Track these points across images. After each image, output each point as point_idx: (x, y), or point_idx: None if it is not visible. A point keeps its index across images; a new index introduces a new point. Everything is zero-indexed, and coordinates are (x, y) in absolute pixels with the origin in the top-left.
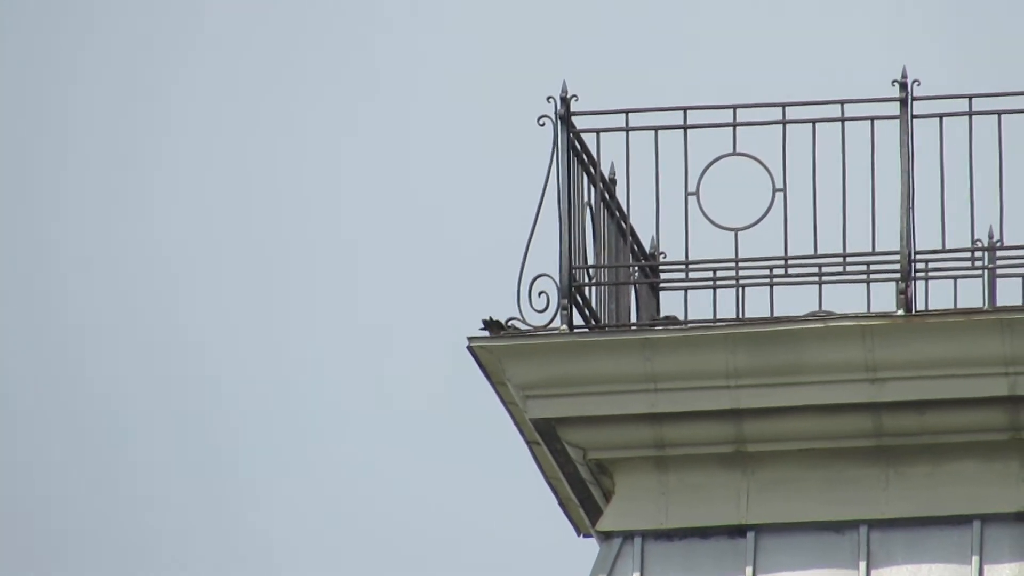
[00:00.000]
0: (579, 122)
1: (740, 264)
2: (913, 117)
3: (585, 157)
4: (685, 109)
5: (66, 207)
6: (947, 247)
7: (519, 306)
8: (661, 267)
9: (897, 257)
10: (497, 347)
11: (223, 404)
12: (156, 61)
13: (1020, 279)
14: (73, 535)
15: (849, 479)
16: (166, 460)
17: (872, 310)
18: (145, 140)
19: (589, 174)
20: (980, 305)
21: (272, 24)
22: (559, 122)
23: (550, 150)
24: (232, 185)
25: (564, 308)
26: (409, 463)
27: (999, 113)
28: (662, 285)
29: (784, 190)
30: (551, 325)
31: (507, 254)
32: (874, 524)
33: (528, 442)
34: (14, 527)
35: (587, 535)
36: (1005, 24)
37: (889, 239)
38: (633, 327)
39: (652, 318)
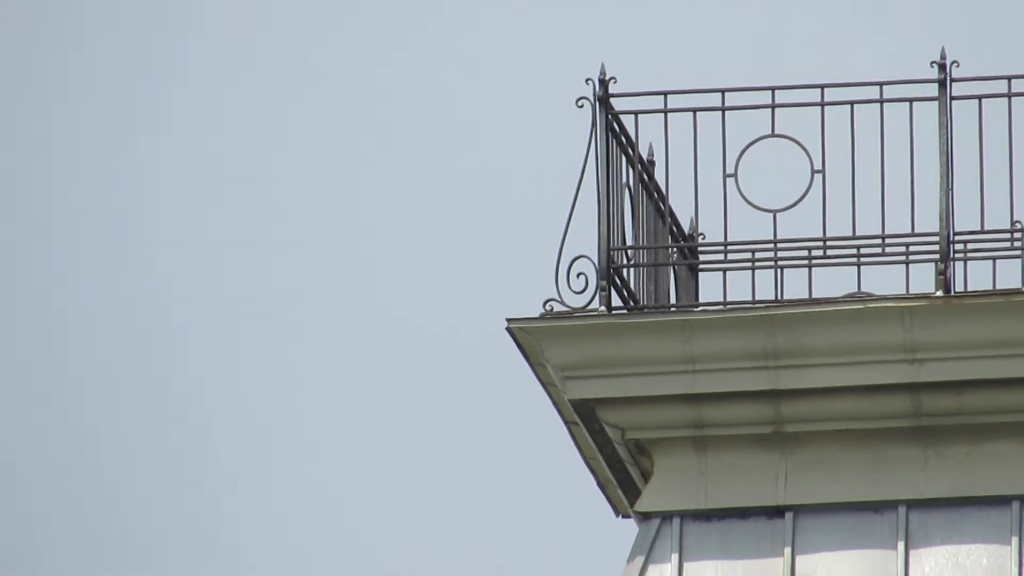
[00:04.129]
0: (617, 104)
1: (779, 245)
2: (952, 99)
3: (623, 139)
4: (723, 91)
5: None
6: (986, 228)
7: (558, 287)
8: (700, 248)
9: (936, 238)
10: (536, 328)
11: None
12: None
13: None
14: (49, 538)
15: (888, 459)
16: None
17: (911, 291)
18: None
19: (627, 156)
20: (1019, 286)
21: (311, 16)
22: (597, 104)
23: (588, 132)
24: (258, 174)
25: (603, 289)
26: (445, 444)
27: None
28: (701, 266)
29: (823, 172)
30: (590, 306)
31: (546, 236)
32: (913, 504)
33: (567, 423)
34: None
35: (625, 516)
36: None
37: (928, 220)
38: (672, 308)
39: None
